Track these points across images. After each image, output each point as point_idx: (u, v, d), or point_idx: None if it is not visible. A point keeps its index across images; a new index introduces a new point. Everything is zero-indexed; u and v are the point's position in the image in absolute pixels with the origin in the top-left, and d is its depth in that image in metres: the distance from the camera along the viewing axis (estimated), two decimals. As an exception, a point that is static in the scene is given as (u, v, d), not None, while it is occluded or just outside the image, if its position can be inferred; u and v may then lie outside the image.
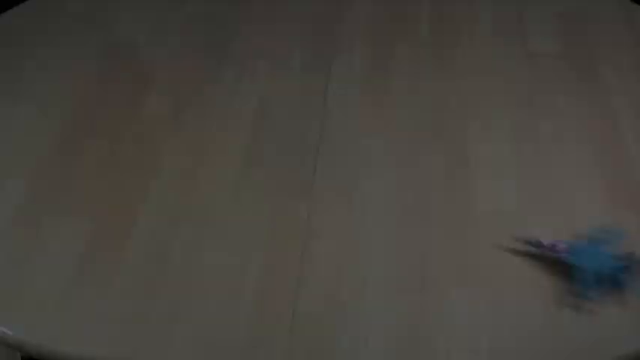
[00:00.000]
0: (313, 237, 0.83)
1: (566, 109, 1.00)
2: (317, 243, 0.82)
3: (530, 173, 0.91)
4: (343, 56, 1.10)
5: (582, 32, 1.15)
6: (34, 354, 0.74)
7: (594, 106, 1.01)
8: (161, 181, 0.90)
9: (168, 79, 1.06)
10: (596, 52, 1.10)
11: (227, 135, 0.96)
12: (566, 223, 0.84)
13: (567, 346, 0.73)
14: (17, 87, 1.05)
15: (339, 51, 1.11)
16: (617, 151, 0.94)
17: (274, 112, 1.00)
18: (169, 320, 0.75)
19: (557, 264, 0.79)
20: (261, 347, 0.73)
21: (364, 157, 0.93)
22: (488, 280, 0.78)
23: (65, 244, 0.82)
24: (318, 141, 0.96)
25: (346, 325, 0.74)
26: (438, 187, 0.89)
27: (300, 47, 1.12)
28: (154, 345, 0.73)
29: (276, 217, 0.85)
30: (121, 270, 0.80)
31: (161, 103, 1.02)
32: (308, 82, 1.05)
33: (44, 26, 1.18)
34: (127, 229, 0.84)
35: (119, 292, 0.78)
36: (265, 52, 1.11)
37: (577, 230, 0.82)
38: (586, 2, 1.22)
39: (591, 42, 1.13)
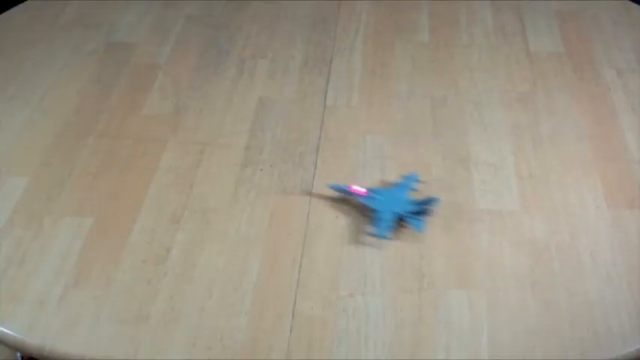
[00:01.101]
0: (313, 237, 0.83)
1: (566, 108, 1.00)
2: (317, 243, 0.83)
3: (529, 173, 0.91)
4: (343, 56, 1.10)
5: (582, 32, 1.15)
6: (34, 354, 0.74)
7: (594, 105, 1.01)
8: (161, 181, 0.90)
9: (169, 79, 1.06)
10: (596, 52, 1.11)
11: (227, 135, 0.96)
12: (567, 223, 0.84)
13: (565, 345, 0.73)
14: (17, 87, 1.05)
15: (339, 51, 1.11)
16: (617, 151, 0.94)
17: (274, 112, 1.00)
18: (169, 320, 0.75)
19: (360, 208, 0.85)
20: (261, 347, 0.73)
21: (364, 157, 0.93)
22: (488, 280, 0.78)
23: (65, 244, 0.83)
24: (318, 141, 0.96)
25: (346, 325, 0.74)
26: (438, 187, 0.89)
27: (300, 47, 1.12)
28: (154, 345, 0.73)
29: (276, 217, 0.86)
30: (121, 270, 0.80)
31: (161, 103, 1.02)
32: (308, 82, 1.05)
33: (44, 26, 1.18)
34: (127, 229, 0.84)
35: (119, 292, 0.78)
36: (265, 52, 1.11)
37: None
38: (586, 2, 1.22)
39: (591, 42, 1.13)
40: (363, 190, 0.85)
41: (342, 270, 0.80)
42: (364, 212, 0.85)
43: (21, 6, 1.23)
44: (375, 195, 0.85)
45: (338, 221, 0.85)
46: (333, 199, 0.87)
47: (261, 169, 0.91)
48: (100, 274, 0.79)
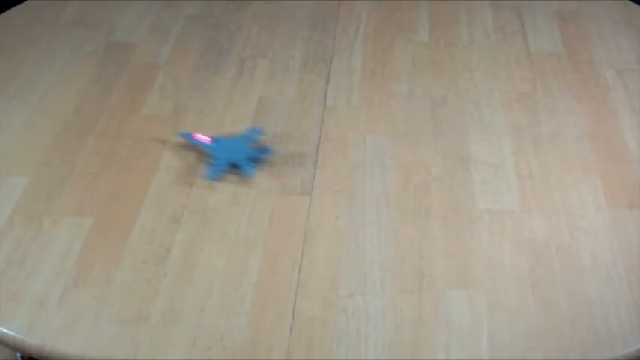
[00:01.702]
0: (313, 237, 0.83)
1: (566, 108, 1.00)
2: (317, 243, 0.83)
3: (529, 173, 0.91)
4: (343, 56, 1.10)
5: (582, 32, 1.15)
6: (34, 354, 0.74)
7: (594, 105, 1.01)
8: (161, 181, 0.90)
9: (169, 79, 1.06)
10: (596, 52, 1.11)
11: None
12: (567, 223, 0.84)
13: (565, 345, 0.73)
14: (17, 87, 1.05)
15: (339, 51, 1.11)
16: (617, 151, 0.94)
17: (274, 112, 1.00)
18: (169, 320, 0.75)
19: (201, 153, 0.93)
20: (261, 347, 0.73)
21: (364, 156, 0.93)
22: (488, 280, 0.78)
23: (65, 244, 0.83)
24: (318, 141, 0.96)
25: (346, 325, 0.74)
26: (438, 187, 0.89)
27: (300, 47, 1.12)
28: (154, 345, 0.73)
29: (276, 217, 0.86)
30: (121, 270, 0.80)
31: (161, 103, 1.02)
32: (308, 82, 1.05)
33: (44, 26, 1.18)
34: (127, 229, 0.84)
35: (119, 292, 0.78)
36: (265, 52, 1.11)
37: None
38: (586, 2, 1.22)
39: (591, 42, 1.13)
40: (207, 138, 0.93)
41: (342, 270, 0.80)
42: (202, 158, 0.92)
43: (21, 6, 1.23)
44: (215, 144, 0.93)
45: (338, 221, 0.85)
46: (332, 199, 0.87)
47: (261, 169, 0.91)
48: (100, 274, 0.79)
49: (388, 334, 0.74)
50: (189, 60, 1.10)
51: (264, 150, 0.93)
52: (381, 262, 0.81)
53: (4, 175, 0.91)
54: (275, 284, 0.78)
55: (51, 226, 0.85)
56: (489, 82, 1.05)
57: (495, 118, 0.99)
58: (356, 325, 0.75)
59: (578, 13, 1.20)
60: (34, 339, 0.74)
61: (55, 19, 1.19)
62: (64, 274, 0.79)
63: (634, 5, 1.22)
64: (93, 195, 0.88)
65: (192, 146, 0.94)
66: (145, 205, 0.87)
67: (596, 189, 0.89)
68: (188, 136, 0.94)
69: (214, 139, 0.93)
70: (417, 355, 0.72)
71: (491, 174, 0.91)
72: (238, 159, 0.91)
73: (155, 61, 1.10)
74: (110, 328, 0.74)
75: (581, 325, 0.74)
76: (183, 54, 1.11)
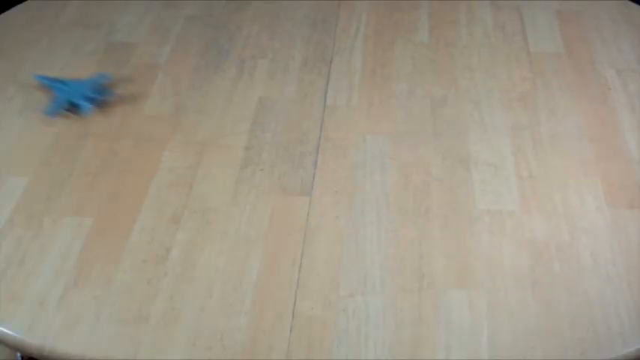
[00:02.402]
0: (313, 237, 0.83)
1: (566, 108, 1.00)
2: (317, 243, 0.83)
3: (529, 173, 0.91)
4: (343, 56, 1.10)
5: (582, 32, 1.15)
6: (34, 354, 0.74)
7: (594, 105, 1.01)
8: (161, 181, 0.90)
9: (169, 79, 1.06)
10: (596, 52, 1.11)
11: (227, 135, 0.96)
12: (567, 223, 0.84)
13: (565, 345, 0.73)
14: (17, 86, 1.05)
15: (339, 51, 1.11)
16: (617, 151, 0.94)
17: (274, 112, 1.00)
18: (169, 320, 0.75)
19: (50, 94, 1.00)
20: (261, 347, 0.73)
21: (364, 156, 0.93)
22: (488, 280, 0.78)
23: (65, 244, 0.83)
24: (318, 141, 0.96)
25: (346, 325, 0.74)
26: (438, 187, 0.89)
27: (300, 47, 1.12)
28: (154, 345, 0.73)
29: (276, 217, 0.86)
30: (121, 270, 0.80)
31: (161, 103, 1.02)
32: (308, 82, 1.05)
33: (44, 26, 1.18)
34: (127, 229, 0.84)
35: (119, 292, 0.78)
36: (265, 52, 1.11)
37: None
38: (586, 2, 1.22)
39: (591, 42, 1.13)
40: (58, 80, 1.01)
41: (342, 270, 0.80)
42: (49, 97, 0.99)
43: (21, 6, 1.23)
44: (58, 83, 1.00)
45: (338, 221, 0.85)
46: (332, 199, 0.87)
47: (261, 170, 0.91)
48: (100, 274, 0.79)
49: (388, 334, 0.74)
50: (189, 60, 1.10)
51: (103, 91, 1.00)
52: (381, 262, 0.81)
53: (4, 175, 0.91)
54: (275, 284, 0.78)
55: (51, 226, 0.85)
56: (489, 82, 1.05)
57: (495, 118, 0.99)
58: (356, 325, 0.75)
59: (578, 13, 1.20)
60: (34, 339, 0.74)
61: (55, 19, 1.19)
62: (64, 274, 0.79)
63: (634, 5, 1.22)
64: (93, 195, 0.88)
65: (45, 88, 1.01)
66: (145, 205, 0.87)
67: (596, 189, 0.89)
68: (41, 78, 1.02)
69: (59, 80, 0.99)
70: (417, 355, 0.72)
71: (491, 174, 0.91)
72: (76, 97, 0.97)
73: (155, 61, 1.10)
74: (110, 328, 0.74)
75: (581, 325, 0.74)
76: (183, 54, 1.11)
